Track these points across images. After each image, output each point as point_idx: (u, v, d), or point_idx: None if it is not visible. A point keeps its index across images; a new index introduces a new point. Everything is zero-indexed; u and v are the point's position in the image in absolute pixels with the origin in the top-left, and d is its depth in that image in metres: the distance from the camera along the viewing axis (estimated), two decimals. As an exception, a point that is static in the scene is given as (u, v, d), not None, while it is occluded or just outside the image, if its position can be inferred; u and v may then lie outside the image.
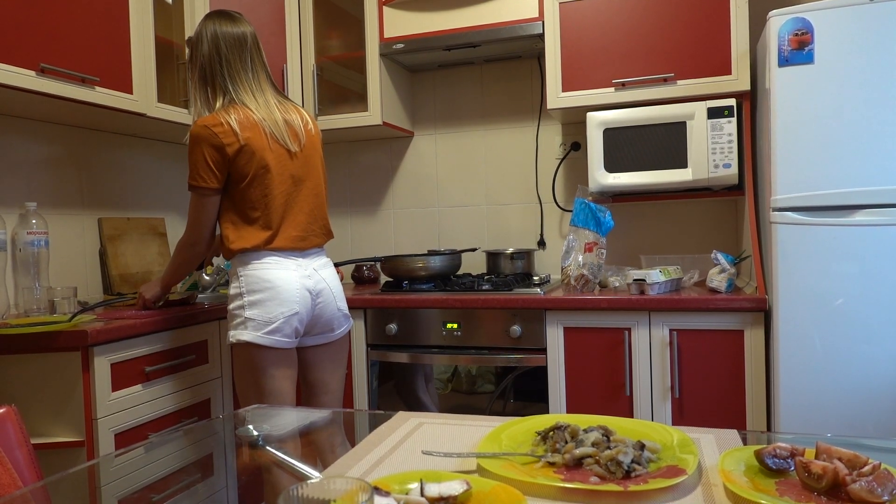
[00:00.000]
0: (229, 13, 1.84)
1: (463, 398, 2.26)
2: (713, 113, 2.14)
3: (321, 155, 1.91)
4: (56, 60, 1.88)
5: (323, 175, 1.91)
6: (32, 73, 1.80)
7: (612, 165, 2.26)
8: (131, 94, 2.14)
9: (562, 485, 0.78)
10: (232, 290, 1.76)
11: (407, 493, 0.75)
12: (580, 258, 2.19)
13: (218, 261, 3.01)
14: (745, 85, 2.14)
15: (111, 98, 2.06)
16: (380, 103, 2.58)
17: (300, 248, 1.80)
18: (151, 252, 2.59)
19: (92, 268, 2.39)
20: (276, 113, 1.80)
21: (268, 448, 0.85)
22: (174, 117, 2.33)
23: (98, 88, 2.01)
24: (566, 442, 0.89)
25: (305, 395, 1.95)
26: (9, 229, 2.06)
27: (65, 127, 2.31)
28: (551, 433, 0.92)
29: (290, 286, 1.74)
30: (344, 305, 1.90)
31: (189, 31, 2.42)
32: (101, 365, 1.69)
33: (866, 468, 0.74)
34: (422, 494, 0.74)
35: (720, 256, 2.06)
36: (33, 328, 1.63)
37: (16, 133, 2.14)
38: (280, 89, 1.90)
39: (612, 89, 2.28)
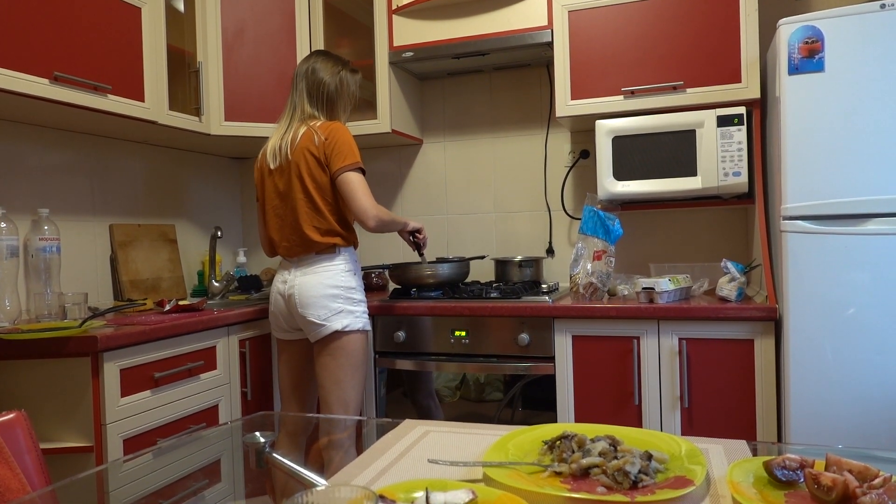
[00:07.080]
0: (315, 51, 2.11)
1: (471, 406, 2.25)
2: (723, 121, 2.13)
3: (307, 169, 1.96)
4: (69, 69, 1.90)
5: (303, 188, 1.97)
6: (46, 81, 1.83)
7: (621, 173, 2.25)
8: (143, 101, 2.16)
9: (568, 495, 0.78)
10: None
11: (412, 502, 0.75)
12: (589, 266, 2.18)
13: (227, 267, 3.03)
14: (755, 93, 2.14)
15: (123, 106, 2.08)
16: (389, 111, 2.59)
17: (287, 256, 2.04)
18: (162, 258, 2.60)
19: (103, 274, 2.41)
20: (275, 138, 2.04)
21: (274, 455, 0.85)
22: (185, 125, 2.35)
23: (110, 96, 2.04)
24: (573, 452, 0.89)
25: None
26: (21, 235, 2.08)
27: (77, 134, 2.33)
28: (558, 443, 0.92)
29: (272, 289, 2.08)
30: (312, 312, 1.95)
31: (201, 40, 2.45)
32: (111, 370, 1.70)
33: (877, 481, 0.73)
34: None
35: (730, 265, 2.05)
36: (44, 333, 1.64)
37: (29, 140, 2.16)
38: (308, 110, 2.04)
39: (622, 97, 2.28)
